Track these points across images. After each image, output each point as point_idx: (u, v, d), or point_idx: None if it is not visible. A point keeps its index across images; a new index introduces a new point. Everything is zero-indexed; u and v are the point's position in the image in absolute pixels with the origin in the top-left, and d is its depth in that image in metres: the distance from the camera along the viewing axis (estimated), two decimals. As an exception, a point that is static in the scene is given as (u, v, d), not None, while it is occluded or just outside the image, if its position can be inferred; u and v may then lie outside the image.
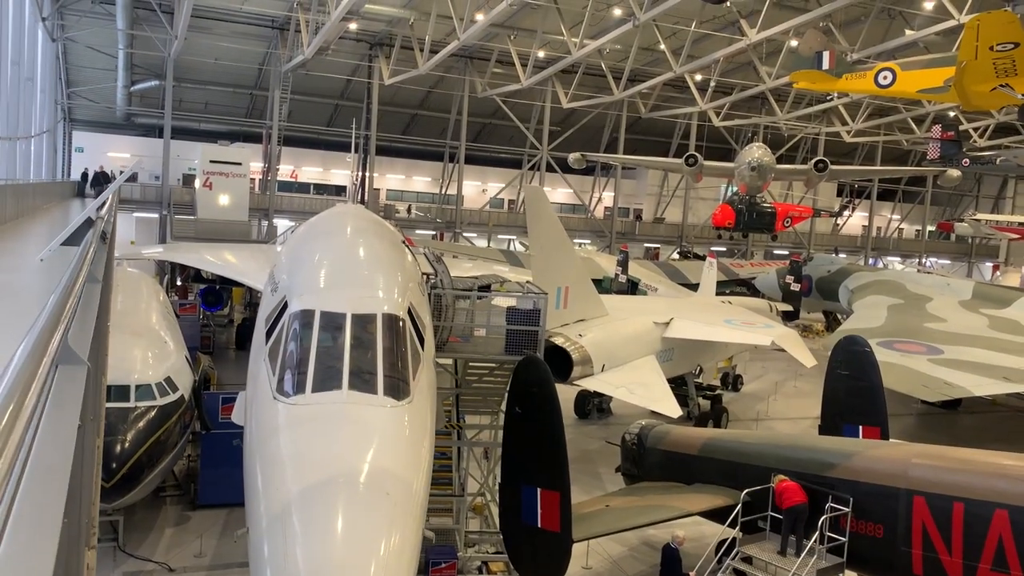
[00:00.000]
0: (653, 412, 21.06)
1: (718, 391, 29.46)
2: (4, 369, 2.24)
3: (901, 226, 79.89)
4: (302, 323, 9.08)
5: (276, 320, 9.57)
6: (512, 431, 13.68)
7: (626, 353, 21.72)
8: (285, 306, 9.61)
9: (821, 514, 13.29)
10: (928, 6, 35.55)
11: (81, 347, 2.96)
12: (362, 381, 8.26)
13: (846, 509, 13.27)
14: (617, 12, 38.26)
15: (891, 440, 16.32)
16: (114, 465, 13.87)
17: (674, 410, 18.95)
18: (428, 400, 9.03)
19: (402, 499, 7.03)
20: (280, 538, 6.54)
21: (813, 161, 43.19)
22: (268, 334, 9.57)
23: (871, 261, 70.68)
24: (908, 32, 35.57)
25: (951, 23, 31.32)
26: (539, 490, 13.15)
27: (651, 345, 22.94)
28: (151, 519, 17.09)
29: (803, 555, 13.08)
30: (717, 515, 14.83)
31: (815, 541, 13.15)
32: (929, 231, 79.41)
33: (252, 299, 35.66)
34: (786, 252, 66.72)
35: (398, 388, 8.42)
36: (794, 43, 37.76)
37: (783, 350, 25.26)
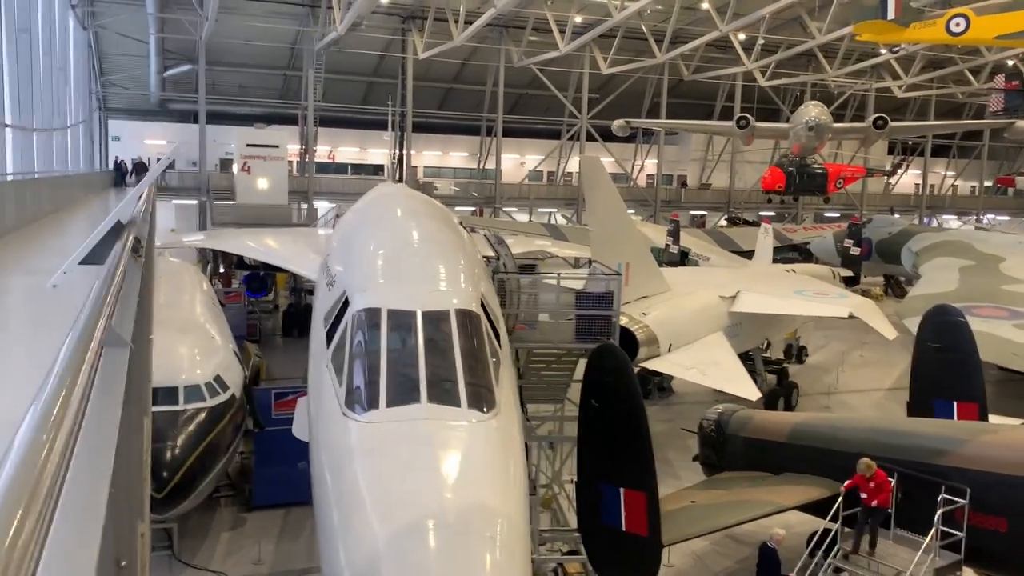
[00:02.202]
0: (717, 390, 19.83)
1: (783, 364, 28.00)
2: None
3: (955, 183, 76.85)
4: (368, 324, 8.01)
5: (337, 320, 8.52)
6: (589, 425, 12.61)
7: (693, 331, 20.44)
8: (346, 303, 8.56)
9: (934, 507, 12.01)
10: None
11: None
12: (442, 391, 7.17)
13: (963, 501, 11.99)
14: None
15: (1002, 421, 14.93)
16: (165, 474, 13.01)
17: (752, 392, 17.64)
18: (514, 408, 7.93)
19: (505, 538, 5.95)
20: None
21: (872, 118, 41.07)
22: (329, 335, 8.54)
23: (926, 220, 68.08)
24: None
25: (1022, -37, 29.16)
26: (622, 490, 12.09)
27: (718, 321, 21.60)
28: (206, 523, 16.32)
29: (919, 553, 11.83)
30: (812, 507, 13.65)
31: (931, 538, 11.88)
32: (986, 186, 76.32)
33: (296, 284, 34.95)
34: (838, 215, 64.43)
35: (482, 397, 7.33)
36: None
37: (854, 318, 23.68)
